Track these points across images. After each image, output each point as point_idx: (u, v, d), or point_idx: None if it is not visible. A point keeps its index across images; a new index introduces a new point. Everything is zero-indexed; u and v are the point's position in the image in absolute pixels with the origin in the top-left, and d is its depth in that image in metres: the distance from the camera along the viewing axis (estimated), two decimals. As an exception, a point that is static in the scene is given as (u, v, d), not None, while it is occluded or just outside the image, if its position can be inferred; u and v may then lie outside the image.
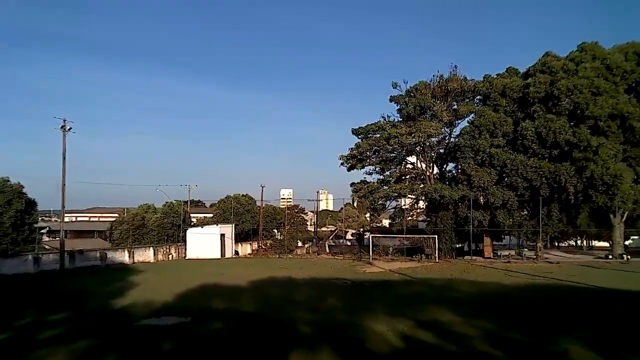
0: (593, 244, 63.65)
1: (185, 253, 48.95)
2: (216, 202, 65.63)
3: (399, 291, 23.18)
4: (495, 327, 14.29)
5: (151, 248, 45.79)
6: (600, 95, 39.48)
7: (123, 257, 42.07)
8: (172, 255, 47.69)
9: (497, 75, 48.63)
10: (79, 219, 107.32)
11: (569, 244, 65.51)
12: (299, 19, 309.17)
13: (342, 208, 79.95)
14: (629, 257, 39.61)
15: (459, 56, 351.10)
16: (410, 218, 52.86)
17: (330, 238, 63.52)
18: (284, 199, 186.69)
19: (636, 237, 55.67)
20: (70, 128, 35.31)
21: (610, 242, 45.73)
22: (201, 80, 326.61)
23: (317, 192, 68.89)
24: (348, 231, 73.01)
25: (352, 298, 20.81)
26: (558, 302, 19.04)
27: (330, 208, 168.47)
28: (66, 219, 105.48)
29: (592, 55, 43.08)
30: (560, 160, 40.72)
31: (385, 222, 72.09)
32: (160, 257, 45.99)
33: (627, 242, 50.04)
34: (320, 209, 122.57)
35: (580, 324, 14.61)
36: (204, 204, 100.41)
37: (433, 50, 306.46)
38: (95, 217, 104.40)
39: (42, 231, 62.60)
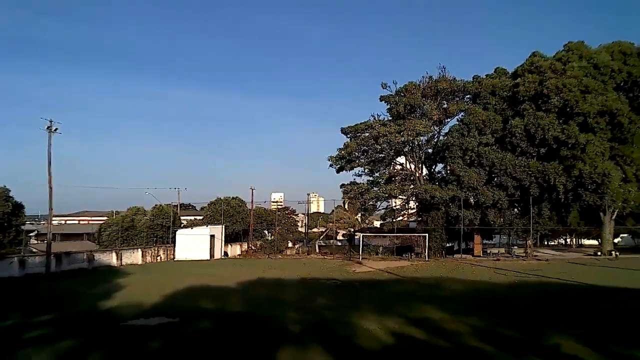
0: (582, 242, 64.20)
1: (174, 254, 48.53)
2: (207, 205, 65.43)
3: (388, 290, 23.10)
4: (485, 323, 14.21)
5: (139, 250, 45.30)
6: (589, 93, 39.78)
7: (110, 259, 41.57)
8: (161, 257, 47.23)
9: (486, 75, 49.03)
10: (68, 222, 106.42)
11: (558, 242, 65.96)
12: (285, 23, 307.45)
13: (333, 210, 80.00)
14: (618, 254, 39.87)
15: (447, 58, 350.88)
16: (401, 218, 52.86)
17: (321, 238, 63.43)
18: (275, 201, 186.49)
19: (625, 235, 56.10)
20: (56, 129, 34.91)
21: (600, 239, 46.02)
22: (190, 83, 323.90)
23: (308, 194, 68.72)
24: (339, 232, 73.03)
25: (341, 297, 20.69)
26: (547, 299, 19.03)
27: (322, 210, 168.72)
28: (55, 223, 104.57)
29: (578, 54, 43.57)
30: (548, 159, 40.99)
31: (377, 223, 72.19)
32: (148, 258, 45.51)
33: (616, 240, 50.43)
34: (312, 212, 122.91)
35: (571, 319, 14.58)
36: (195, 207, 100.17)
37: (420, 52, 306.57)
38: (85, 220, 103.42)
39: (31, 234, 61.98)
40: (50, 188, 35.02)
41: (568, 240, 66.27)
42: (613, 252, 40.27)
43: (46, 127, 34.43)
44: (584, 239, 63.89)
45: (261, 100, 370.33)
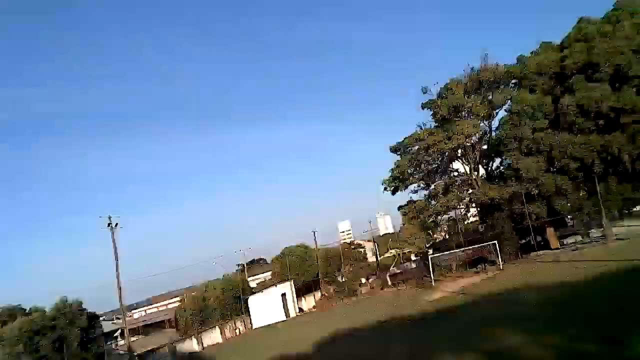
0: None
1: (251, 323, 48.50)
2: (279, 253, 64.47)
3: (462, 318, 21.90)
4: (568, 340, 13.13)
5: (217, 327, 45.58)
6: (642, 53, 37.04)
7: (192, 345, 41.96)
8: (239, 330, 47.30)
9: (531, 53, 45.82)
10: (148, 311, 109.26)
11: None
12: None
13: (400, 229, 77.29)
14: None
15: (488, 43, 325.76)
16: (465, 225, 50.82)
17: (392, 267, 61.74)
18: (343, 232, 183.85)
19: None
20: (117, 224, 35.68)
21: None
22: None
23: (370, 221, 67.25)
24: (412, 252, 70.87)
25: (417, 339, 19.77)
26: (629, 291, 17.43)
27: (390, 230, 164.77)
28: (136, 315, 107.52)
29: (630, 12, 40.58)
30: (609, 130, 38.05)
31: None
32: (227, 334, 45.71)
33: None
34: (381, 234, 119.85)
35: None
36: (266, 260, 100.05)
37: (458, 44, 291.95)
38: (163, 305, 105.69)
39: (115, 334, 63.57)
40: (120, 289, 35.77)
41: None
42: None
43: (107, 224, 35.27)
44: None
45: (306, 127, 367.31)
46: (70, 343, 33.64)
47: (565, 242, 42.49)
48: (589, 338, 12.64)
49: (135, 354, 36.32)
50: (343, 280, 58.37)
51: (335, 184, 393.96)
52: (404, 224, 60.56)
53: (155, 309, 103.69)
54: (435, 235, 58.23)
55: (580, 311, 16.55)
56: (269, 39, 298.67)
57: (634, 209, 58.33)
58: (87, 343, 35.43)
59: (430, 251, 49.56)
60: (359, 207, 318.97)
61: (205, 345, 42.30)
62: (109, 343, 57.36)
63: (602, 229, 40.15)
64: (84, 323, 35.28)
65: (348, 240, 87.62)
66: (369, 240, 74.08)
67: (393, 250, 79.09)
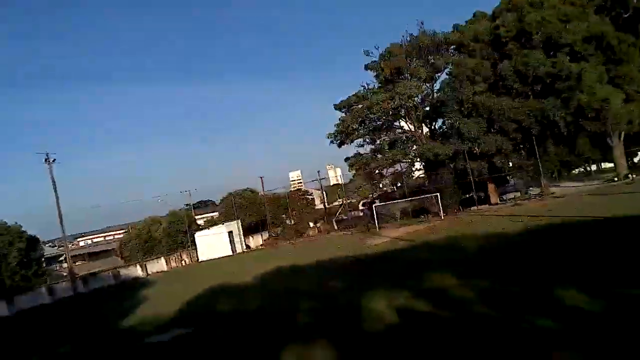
0: (603, 166, 62.80)
1: (197, 256, 49.21)
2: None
3: (400, 261, 23.07)
4: (494, 284, 14.07)
5: (162, 258, 46.12)
6: (570, 22, 38.85)
7: (136, 271, 42.43)
8: (185, 261, 48.02)
9: (466, 22, 48.08)
10: (94, 240, 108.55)
11: (579, 171, 64.72)
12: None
13: (351, 179, 79.18)
14: (634, 175, 39.21)
15: (424, 11, 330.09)
16: (411, 179, 52.75)
17: (338, 214, 63.38)
18: (293, 181, 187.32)
19: None
20: (54, 160, 35.45)
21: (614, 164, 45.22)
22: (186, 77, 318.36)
23: (318, 171, 68.54)
24: (361, 201, 72.85)
25: (355, 277, 20.71)
26: (556, 244, 18.77)
27: (341, 182, 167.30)
28: (82, 243, 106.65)
29: None
30: (545, 95, 40.25)
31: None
32: (173, 264, 46.34)
33: (636, 160, 49.34)
34: (332, 184, 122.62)
35: (575, 264, 14.39)
36: (214, 202, 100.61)
37: (395, 11, 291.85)
38: (110, 235, 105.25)
39: (60, 259, 63.44)
40: (60, 217, 35.91)
41: (588, 167, 64.91)
42: (630, 175, 39.61)
43: (44, 159, 34.96)
44: (603, 163, 62.52)
45: (255, 84, 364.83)
46: (10, 262, 33.62)
47: (505, 198, 44.79)
48: (516, 283, 13.63)
49: (77, 276, 36.61)
50: (291, 223, 59.60)
51: (289, 135, 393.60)
52: (353, 176, 62.04)
53: (103, 239, 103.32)
54: (381, 186, 59.99)
55: (512, 258, 17.78)
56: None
57: (573, 172, 61.74)
58: (28, 264, 35.44)
59: (377, 201, 51.12)
60: (311, 158, 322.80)
61: (149, 272, 42.79)
62: (53, 266, 57.32)
63: (540, 187, 42.45)
64: (23, 245, 35.22)
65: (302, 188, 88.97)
66: (317, 189, 75.47)
67: (341, 199, 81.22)
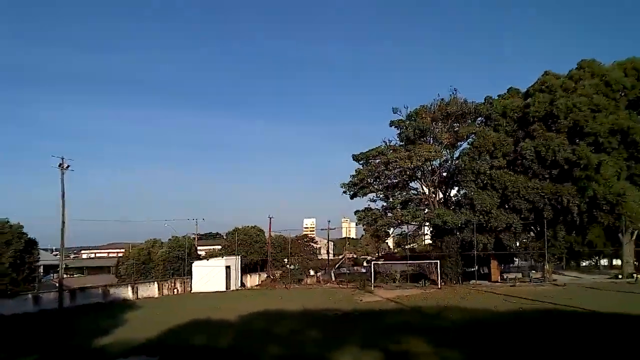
0: (615, 262, 61.57)
1: (190, 287, 48.77)
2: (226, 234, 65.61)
3: (385, 321, 22.71)
4: (464, 356, 13.84)
5: (155, 283, 45.75)
6: (599, 112, 38.94)
7: (127, 292, 42.07)
8: (178, 290, 47.54)
9: (499, 96, 48.66)
10: (98, 255, 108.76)
11: (589, 262, 63.52)
12: (291, 44, 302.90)
13: (362, 235, 79.35)
14: (638, 276, 38.26)
15: (460, 80, 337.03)
16: (415, 245, 52.31)
17: (337, 266, 62.86)
18: (306, 228, 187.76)
19: None
20: (68, 166, 35.75)
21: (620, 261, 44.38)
22: (207, 110, 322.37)
23: (329, 221, 68.28)
24: (366, 258, 72.36)
25: (334, 330, 20.36)
26: (541, 328, 18.39)
27: (353, 236, 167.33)
28: (84, 256, 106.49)
29: (590, 72, 42.81)
30: (562, 180, 39.99)
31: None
32: (165, 291, 45.89)
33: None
34: (343, 237, 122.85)
35: (553, 350, 14.06)
36: (222, 235, 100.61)
37: (433, 75, 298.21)
38: (113, 252, 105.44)
39: (58, 269, 63.33)
40: (63, 223, 35.92)
41: (599, 261, 63.70)
42: (635, 275, 38.71)
43: (58, 164, 35.33)
44: (614, 259, 61.36)
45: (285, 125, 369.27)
46: (3, 262, 33.50)
47: (506, 277, 43.84)
48: (482, 357, 13.34)
49: (67, 289, 36.37)
50: (291, 267, 59.12)
51: (311, 183, 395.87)
52: (365, 232, 62.02)
53: (105, 254, 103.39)
54: (385, 246, 59.70)
55: (493, 335, 17.57)
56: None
57: (583, 264, 60.57)
58: (21, 266, 35.26)
59: (381, 260, 50.73)
60: (331, 207, 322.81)
61: (139, 295, 42.44)
62: (50, 274, 57.29)
63: (543, 271, 41.68)
64: (21, 246, 35.04)
65: (309, 235, 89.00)
66: (325, 238, 75.32)
67: (345, 252, 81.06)
